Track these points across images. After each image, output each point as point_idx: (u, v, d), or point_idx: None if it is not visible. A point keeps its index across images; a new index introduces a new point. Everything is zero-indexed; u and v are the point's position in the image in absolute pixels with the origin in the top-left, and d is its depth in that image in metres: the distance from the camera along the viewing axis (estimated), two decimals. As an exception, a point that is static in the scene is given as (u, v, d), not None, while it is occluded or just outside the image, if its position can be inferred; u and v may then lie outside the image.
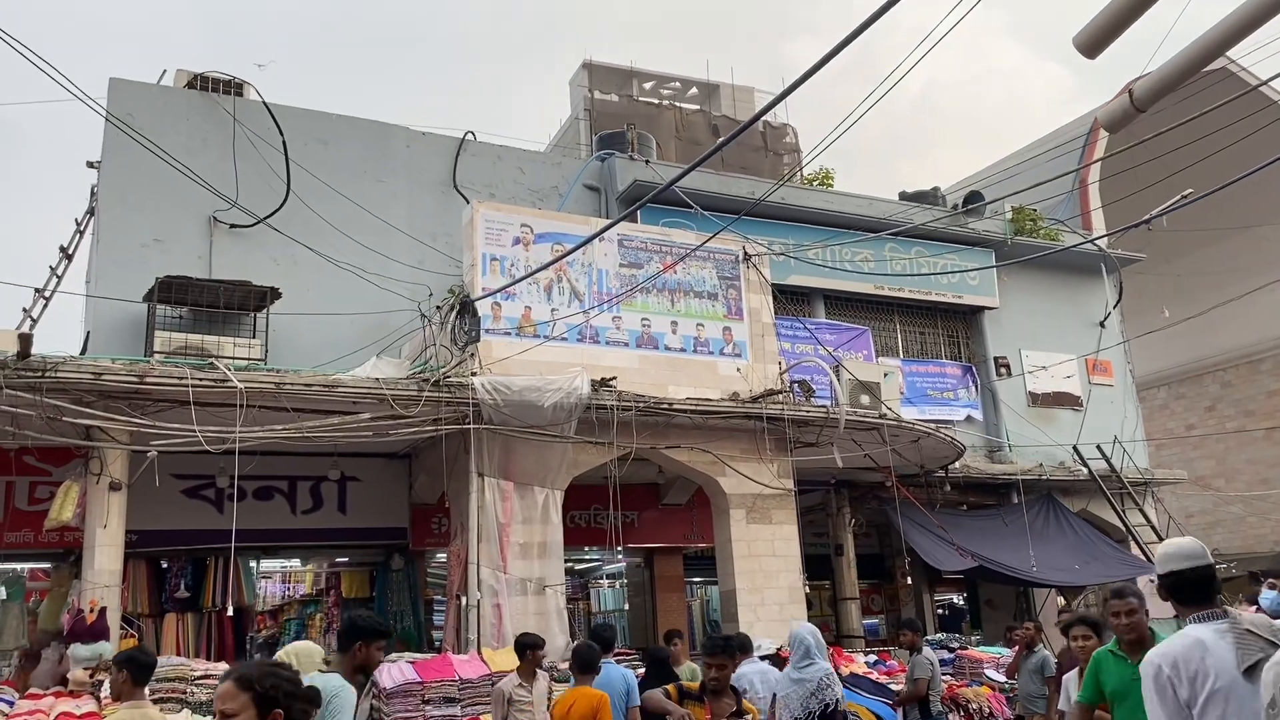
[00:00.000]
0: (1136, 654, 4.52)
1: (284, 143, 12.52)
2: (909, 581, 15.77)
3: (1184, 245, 20.31)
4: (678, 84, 23.86)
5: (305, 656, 5.02)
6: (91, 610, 8.23)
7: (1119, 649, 4.77)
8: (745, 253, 12.49)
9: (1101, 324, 18.24)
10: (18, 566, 11.91)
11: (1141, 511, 16.56)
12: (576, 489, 10.86)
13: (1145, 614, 4.79)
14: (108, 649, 8.09)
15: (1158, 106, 5.32)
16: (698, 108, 23.00)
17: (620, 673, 7.28)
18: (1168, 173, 12.57)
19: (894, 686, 9.54)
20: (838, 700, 5.99)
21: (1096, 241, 16.99)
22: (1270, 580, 5.65)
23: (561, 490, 10.45)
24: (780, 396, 11.68)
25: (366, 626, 4.82)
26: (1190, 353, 23.84)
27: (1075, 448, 16.35)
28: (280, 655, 5.10)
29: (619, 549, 13.26)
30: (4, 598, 11.36)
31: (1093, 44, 4.08)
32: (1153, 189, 13.28)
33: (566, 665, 8.79)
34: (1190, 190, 12.61)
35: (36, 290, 12.73)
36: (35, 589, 11.89)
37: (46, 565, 11.63)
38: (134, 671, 5.63)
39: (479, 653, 9.06)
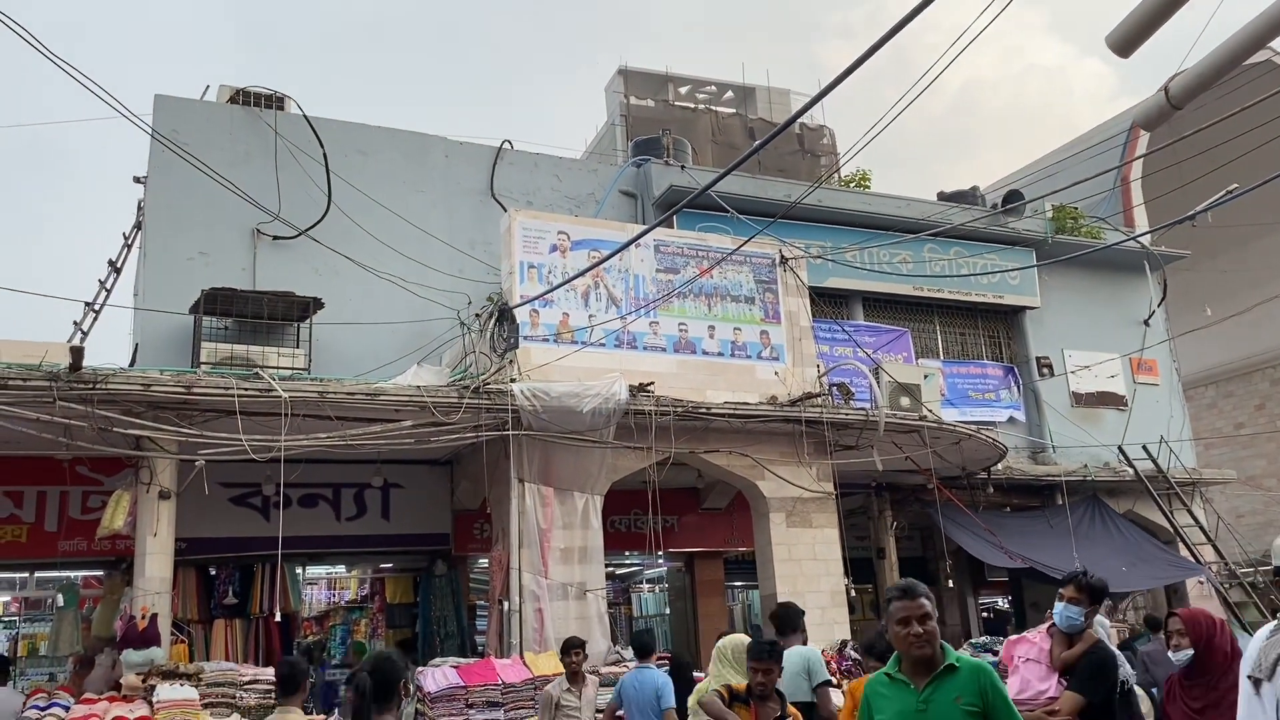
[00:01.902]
0: (924, 677, 3.62)
1: (324, 155, 12.72)
2: (952, 584, 15.64)
3: (1229, 241, 19.96)
4: (713, 88, 23.87)
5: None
6: (143, 617, 8.40)
7: (899, 671, 3.72)
8: (782, 256, 12.49)
9: (1146, 322, 17.99)
10: (72, 574, 12.16)
11: (1189, 512, 16.31)
12: (616, 494, 10.91)
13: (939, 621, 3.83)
14: (159, 654, 8.27)
15: (1197, 103, 5.28)
16: (733, 111, 23.00)
17: (654, 676, 7.45)
18: (1211, 168, 12.39)
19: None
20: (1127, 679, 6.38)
21: (1139, 239, 16.76)
22: (1060, 590, 5.45)
23: (601, 495, 10.50)
24: (819, 400, 11.65)
25: None
26: (1238, 350, 23.38)
27: (1120, 448, 16.14)
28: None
29: (659, 554, 13.29)
30: (60, 605, 11.62)
31: (1126, 43, 4.06)
32: (1196, 185, 13.07)
33: (608, 669, 8.88)
34: (1235, 185, 12.40)
35: (86, 304, 13.04)
36: (89, 596, 12.12)
37: (99, 573, 11.86)
38: (283, 683, 5.80)
39: (521, 657, 9.13)
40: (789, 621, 7.38)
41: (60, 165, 63.50)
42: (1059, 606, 5.44)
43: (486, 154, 14.21)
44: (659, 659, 8.87)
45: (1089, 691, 4.93)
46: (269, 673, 8.42)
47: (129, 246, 13.90)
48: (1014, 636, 6.19)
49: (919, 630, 3.63)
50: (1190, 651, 4.90)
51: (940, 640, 3.71)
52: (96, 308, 13.05)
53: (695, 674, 8.30)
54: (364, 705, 4.86)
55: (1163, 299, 18.28)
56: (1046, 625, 5.62)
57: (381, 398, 9.41)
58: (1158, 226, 15.18)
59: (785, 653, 6.93)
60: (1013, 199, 16.87)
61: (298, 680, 5.28)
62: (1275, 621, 3.44)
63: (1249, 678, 3.33)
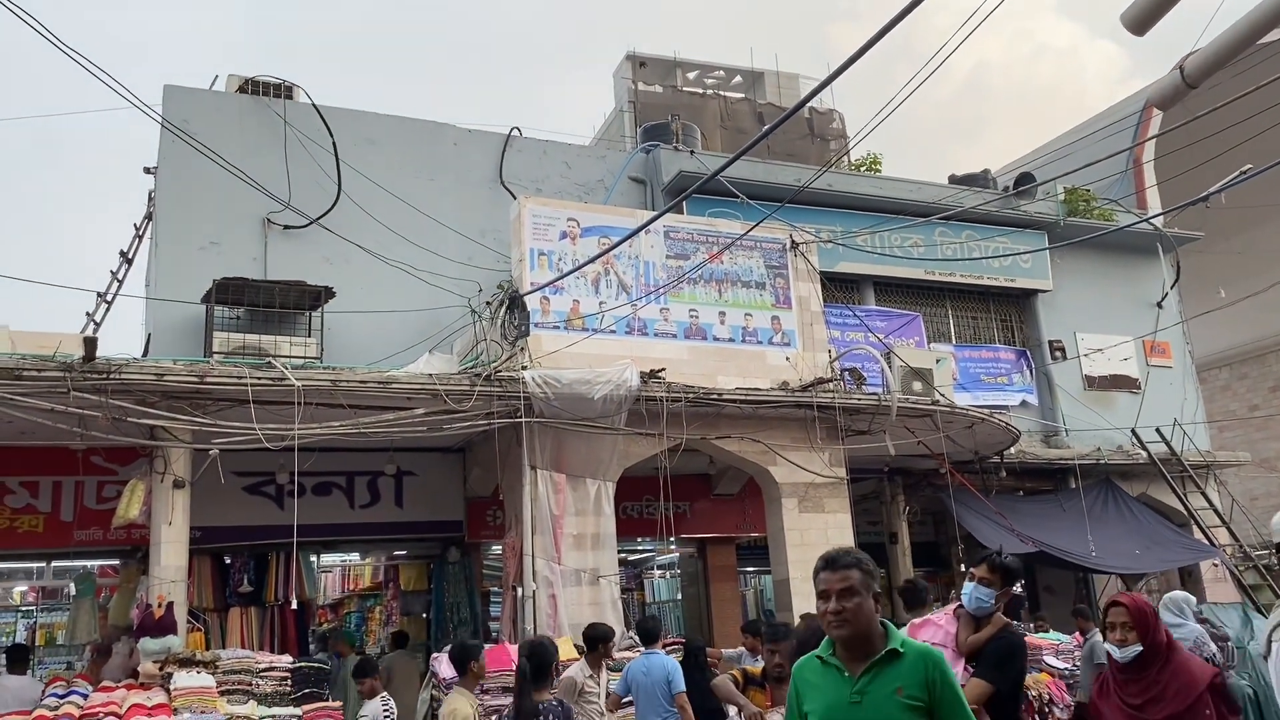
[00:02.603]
0: (861, 663, 3.19)
1: (334, 144, 12.72)
2: (962, 569, 15.62)
3: (1243, 222, 19.81)
4: (722, 73, 23.75)
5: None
6: (159, 605, 8.45)
7: (831, 654, 3.28)
8: (793, 241, 12.45)
9: (1159, 305, 17.90)
10: (88, 564, 12.25)
11: (1204, 494, 16.26)
12: (628, 480, 10.92)
13: (875, 599, 3.29)
14: (176, 643, 8.32)
15: (1210, 82, 5.22)
16: (742, 96, 22.89)
17: (662, 661, 7.47)
18: (1224, 149, 12.28)
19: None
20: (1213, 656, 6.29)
21: (1152, 221, 16.66)
22: (971, 570, 5.12)
23: (613, 482, 10.51)
24: (831, 385, 11.63)
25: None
26: (1253, 332, 23.22)
27: (1134, 431, 16.08)
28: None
29: (671, 540, 13.30)
30: (76, 594, 11.70)
31: (1141, 21, 4.02)
32: (1209, 166, 12.97)
33: (622, 655, 8.89)
34: (1249, 166, 12.30)
35: (99, 294, 13.09)
36: (105, 585, 12.22)
37: (115, 562, 11.95)
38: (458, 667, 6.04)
39: (535, 643, 9.15)
40: (915, 597, 8.06)
41: (71, 156, 63.71)
42: (968, 587, 5.06)
43: (496, 141, 14.19)
44: (668, 644, 8.90)
45: (996, 679, 4.58)
46: (285, 660, 8.48)
47: (140, 237, 13.95)
48: (917, 620, 5.80)
49: (836, 607, 3.17)
50: (1139, 648, 4.41)
51: (880, 620, 3.25)
52: (109, 298, 13.11)
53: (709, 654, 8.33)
54: (524, 686, 5.19)
55: (1176, 281, 18.17)
56: (953, 607, 5.29)
57: (394, 386, 9.43)
58: (1171, 208, 15.08)
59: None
60: (1024, 181, 16.78)
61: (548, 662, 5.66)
62: None
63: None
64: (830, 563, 3.33)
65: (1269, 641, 3.94)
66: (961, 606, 5.11)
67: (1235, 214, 17.89)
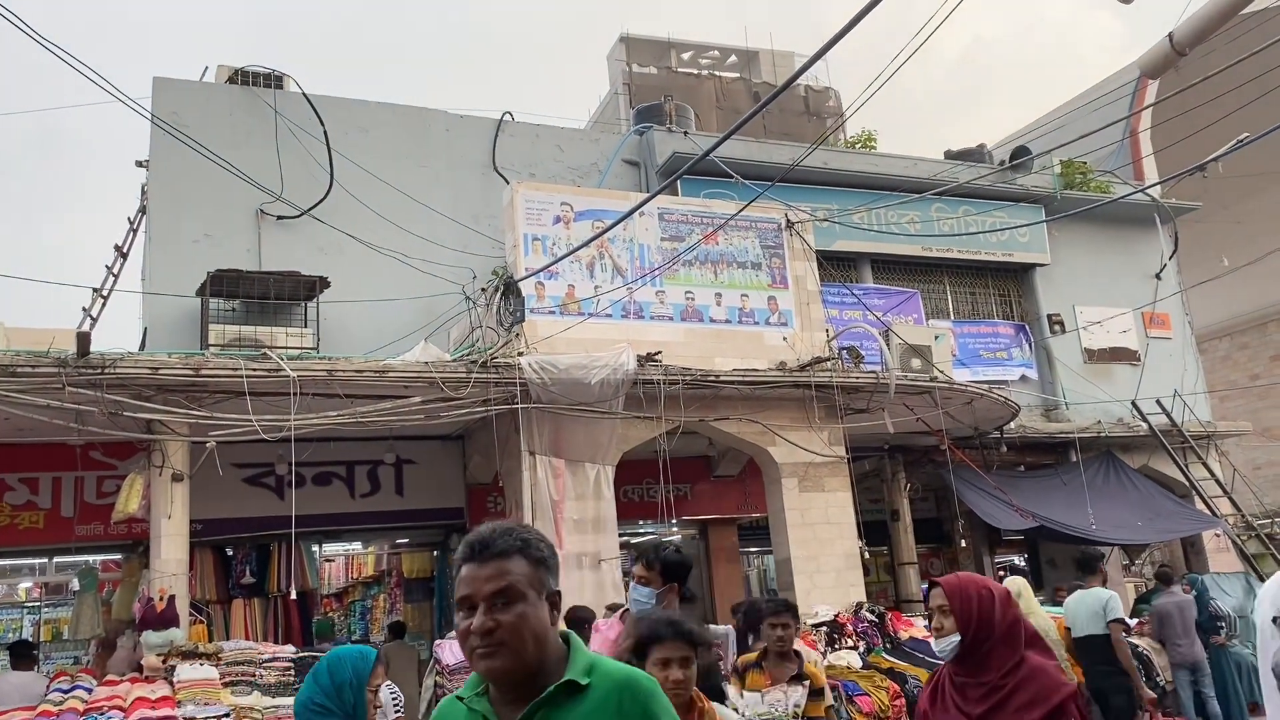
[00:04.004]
0: (522, 699, 2.03)
1: (325, 133, 12.66)
2: (964, 545, 15.65)
3: (1241, 190, 19.75)
4: (716, 53, 23.65)
5: None
6: (161, 599, 8.47)
7: (479, 693, 2.12)
8: (788, 220, 12.40)
9: (1158, 276, 17.83)
10: (90, 558, 12.29)
11: (1205, 465, 16.25)
12: (628, 463, 10.92)
13: (552, 602, 2.12)
14: (179, 635, 8.35)
15: (1205, 49, 5.18)
16: (737, 76, 22.78)
17: None
18: (1220, 115, 12.20)
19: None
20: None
21: (1149, 191, 16.58)
22: (639, 575, 4.41)
23: (612, 465, 10.51)
24: (829, 364, 11.61)
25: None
26: (1253, 301, 23.19)
27: (1134, 403, 16.06)
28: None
29: (673, 522, 13.32)
30: (79, 589, 11.73)
31: (1127, -11, 3.98)
32: (1205, 134, 12.89)
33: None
34: (1246, 134, 12.22)
35: (95, 290, 13.06)
36: (107, 580, 12.25)
37: (117, 556, 11.98)
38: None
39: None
40: (1088, 565, 8.80)
41: (63, 150, 63.56)
42: (632, 588, 4.49)
43: (488, 126, 14.12)
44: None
45: None
46: (288, 650, 8.51)
47: (134, 230, 13.90)
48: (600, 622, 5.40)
49: (486, 624, 2.00)
50: (956, 638, 3.46)
51: (560, 634, 2.14)
52: (105, 293, 13.08)
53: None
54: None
55: (1174, 251, 18.10)
56: (619, 612, 4.71)
57: (390, 375, 9.42)
58: (1167, 178, 15.03)
59: (1084, 593, 8.60)
60: (1020, 155, 16.70)
61: None
62: None
63: (1274, 620, 2.86)
64: (476, 550, 2.10)
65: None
66: (628, 610, 4.51)
67: (1233, 182, 17.83)
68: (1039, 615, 8.52)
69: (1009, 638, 3.42)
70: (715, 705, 3.62)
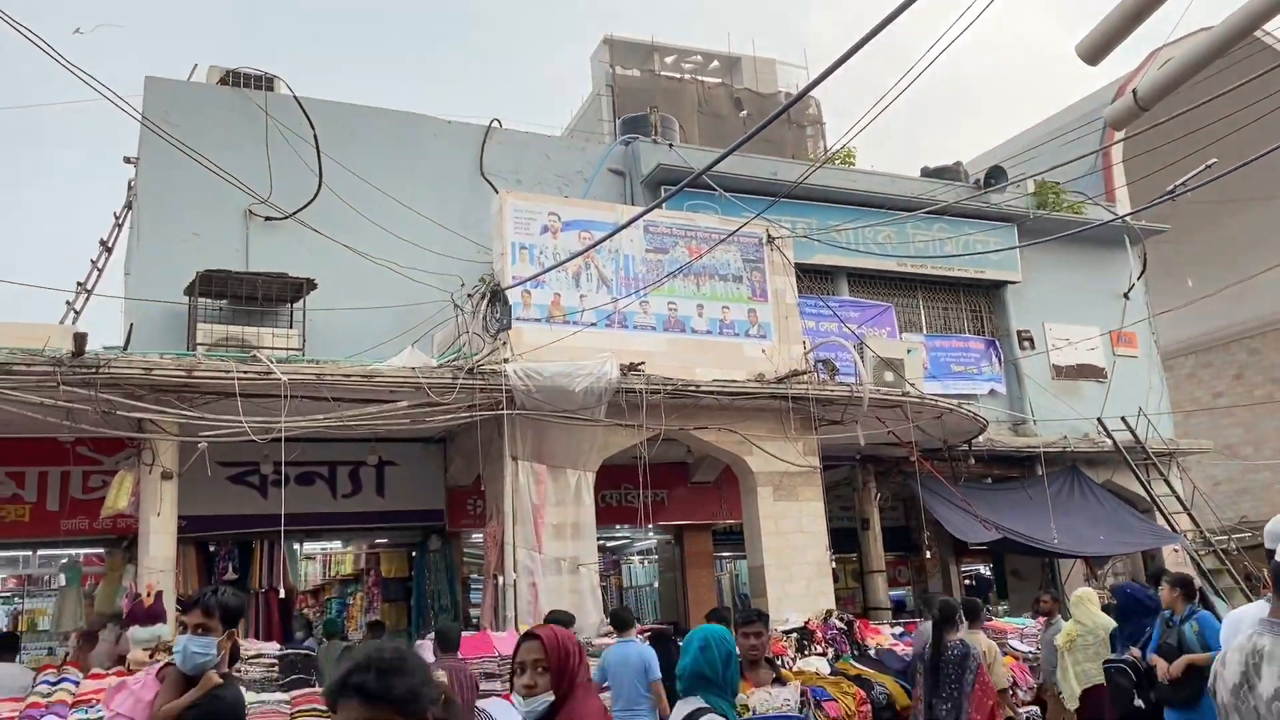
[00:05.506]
0: None
1: (315, 135, 12.80)
2: (931, 554, 16.01)
3: (1210, 215, 20.24)
4: (699, 57, 23.95)
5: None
6: (148, 594, 8.62)
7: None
8: (769, 235, 12.68)
9: (1126, 295, 18.28)
10: (74, 552, 12.37)
11: (1166, 481, 16.68)
12: (608, 469, 11.16)
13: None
14: (165, 631, 8.49)
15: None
16: (719, 81, 23.09)
17: (638, 649, 7.73)
18: (1193, 143, 12.59)
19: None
20: None
21: (1123, 218, 17.01)
22: (181, 620, 4.10)
23: (593, 472, 10.75)
24: (805, 376, 11.90)
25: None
26: (1217, 321, 23.74)
27: (1100, 420, 16.48)
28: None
29: (650, 527, 13.56)
30: (64, 583, 11.84)
31: (1095, 51, 4.27)
32: (1178, 159, 13.29)
33: (601, 641, 9.15)
34: (1214, 160, 12.63)
35: (79, 284, 13.15)
36: (91, 574, 12.35)
37: (100, 550, 12.07)
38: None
39: (517, 629, 9.40)
40: (971, 612, 8.47)
41: (49, 144, 62.97)
42: (180, 640, 3.92)
43: (475, 133, 14.30)
44: (640, 632, 9.17)
45: None
46: (272, 647, 8.68)
47: (120, 226, 13.99)
48: (115, 684, 4.69)
49: None
50: (549, 697, 3.09)
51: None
52: (89, 288, 13.18)
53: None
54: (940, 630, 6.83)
55: (1143, 271, 18.56)
56: (159, 667, 4.13)
57: (377, 379, 9.60)
58: (1138, 208, 15.43)
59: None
60: (995, 175, 17.08)
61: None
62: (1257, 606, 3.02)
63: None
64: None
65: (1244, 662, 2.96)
66: (171, 665, 4.01)
67: (1202, 207, 18.29)
68: (1100, 619, 8.91)
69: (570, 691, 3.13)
70: None
